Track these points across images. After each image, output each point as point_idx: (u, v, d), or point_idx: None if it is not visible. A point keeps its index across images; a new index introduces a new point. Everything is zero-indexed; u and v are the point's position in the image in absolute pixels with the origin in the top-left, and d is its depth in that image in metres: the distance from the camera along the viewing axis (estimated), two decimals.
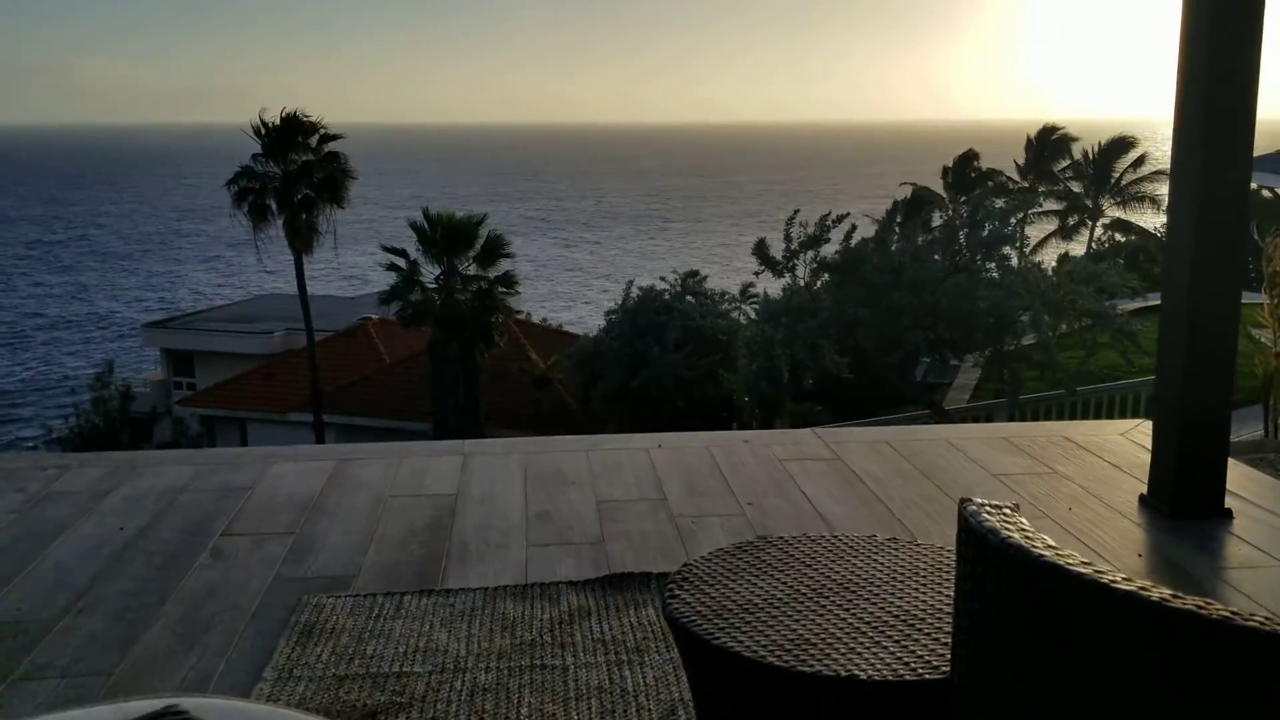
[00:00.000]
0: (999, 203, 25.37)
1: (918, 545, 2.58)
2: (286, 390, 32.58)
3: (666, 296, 25.35)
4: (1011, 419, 17.54)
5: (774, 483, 4.90)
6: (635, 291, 25.90)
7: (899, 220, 24.63)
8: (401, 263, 27.46)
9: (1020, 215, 29.51)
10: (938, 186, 43.88)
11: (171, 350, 37.97)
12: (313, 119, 28.82)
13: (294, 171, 28.63)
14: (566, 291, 78.58)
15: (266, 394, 32.82)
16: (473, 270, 27.56)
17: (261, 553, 4.10)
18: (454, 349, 26.74)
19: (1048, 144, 47.19)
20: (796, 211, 22.65)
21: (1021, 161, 47.77)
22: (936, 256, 21.43)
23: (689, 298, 25.34)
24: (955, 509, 1.87)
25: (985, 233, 21.47)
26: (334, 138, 29.44)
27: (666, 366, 23.99)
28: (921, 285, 19.93)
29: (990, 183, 41.21)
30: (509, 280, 27.71)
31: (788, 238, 22.19)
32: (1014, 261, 23.80)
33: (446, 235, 27.11)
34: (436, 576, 3.86)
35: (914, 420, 17.48)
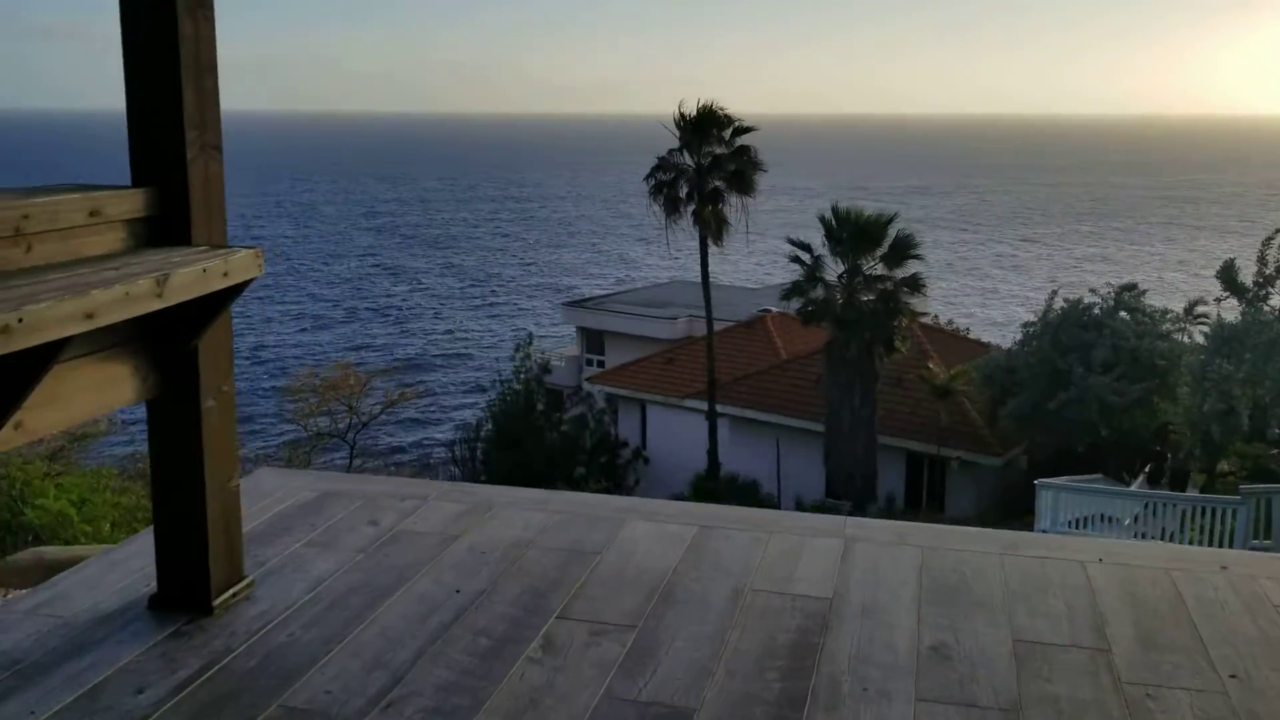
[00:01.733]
0: None
1: None
2: (684, 376, 33.26)
3: (1097, 311, 22.70)
4: None
5: (1270, 643, 3.55)
6: (1060, 303, 23.47)
7: None
8: (806, 258, 26.88)
9: None
10: None
11: (586, 329, 40.18)
12: (727, 112, 28.94)
13: (706, 164, 28.93)
14: (978, 292, 74.59)
15: (666, 378, 33.71)
16: (879, 270, 26.38)
17: (597, 651, 3.47)
18: (852, 350, 25.76)
19: None
20: (1278, 232, 19.27)
21: None
22: None
23: (1123, 314, 22.52)
24: None
25: None
26: (746, 130, 29.39)
27: (1091, 389, 21.46)
28: None
29: None
30: (915, 283, 26.24)
31: (1262, 260, 18.91)
32: None
33: (854, 232, 26.14)
34: None
35: None
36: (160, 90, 3.41)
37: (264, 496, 4.84)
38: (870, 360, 25.86)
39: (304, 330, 58.39)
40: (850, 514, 20.79)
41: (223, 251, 3.37)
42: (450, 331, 59.10)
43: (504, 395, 35.58)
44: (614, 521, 4.59)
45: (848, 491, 26.28)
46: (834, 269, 26.73)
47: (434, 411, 45.37)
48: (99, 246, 3.25)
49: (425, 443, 35.97)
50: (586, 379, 36.52)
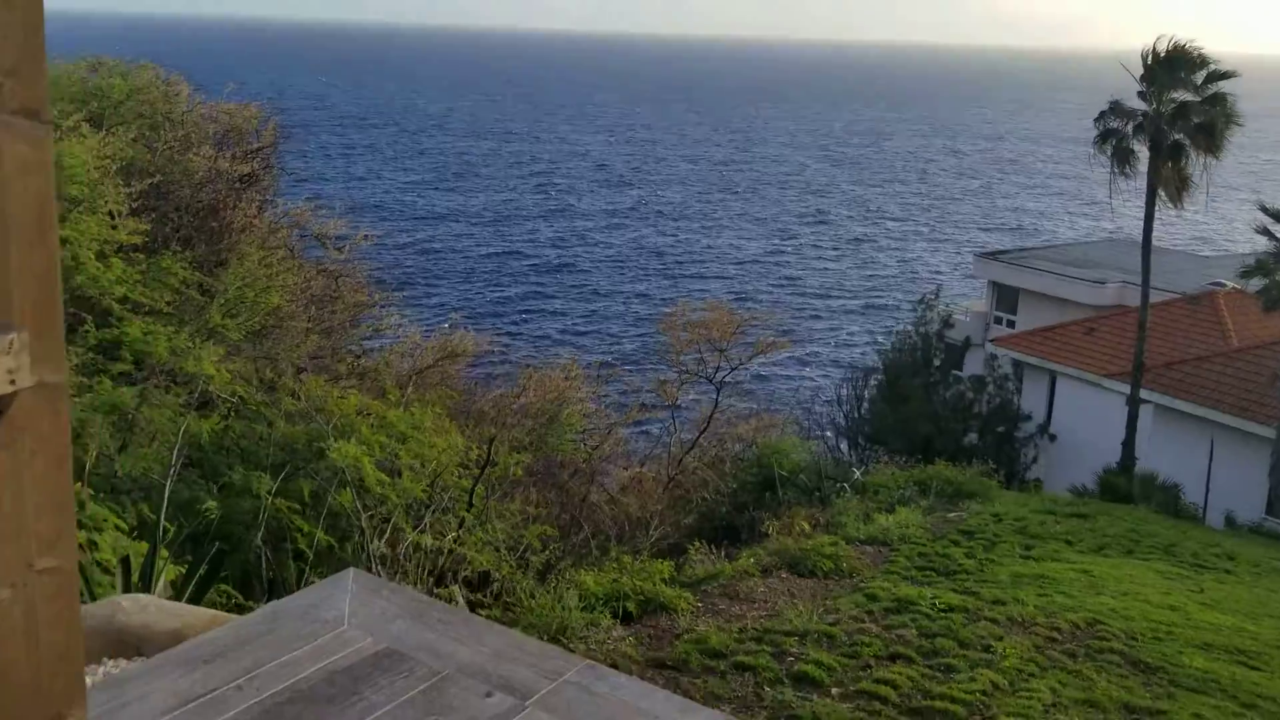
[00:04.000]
0: None
1: None
2: (1107, 351, 29.38)
3: None
4: None
5: None
6: None
7: None
8: (1279, 231, 22.25)
9: None
10: None
11: (999, 284, 36.82)
12: (1202, 51, 24.40)
13: (1169, 113, 24.68)
14: None
15: (1084, 351, 30.00)
16: None
17: None
18: None
19: None
20: None
21: None
22: None
23: None
24: None
25: None
26: (1225, 76, 24.67)
27: None
28: None
29: None
30: None
31: None
32: None
33: None
34: None
35: None
36: None
37: (316, 626, 3.19)
38: None
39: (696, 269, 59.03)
40: None
41: None
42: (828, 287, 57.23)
43: (898, 346, 33.56)
44: None
45: None
46: None
47: (819, 355, 44.25)
48: None
49: (802, 387, 34.98)
50: (991, 339, 33.48)
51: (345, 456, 7.06)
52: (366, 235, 14.34)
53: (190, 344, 8.87)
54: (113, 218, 10.85)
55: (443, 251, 58.11)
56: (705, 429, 18.65)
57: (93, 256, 9.69)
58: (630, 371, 24.37)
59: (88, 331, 8.88)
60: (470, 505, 9.18)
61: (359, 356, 12.73)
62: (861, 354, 42.04)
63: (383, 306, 14.80)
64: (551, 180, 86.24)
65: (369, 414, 8.26)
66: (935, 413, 29.91)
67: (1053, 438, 30.25)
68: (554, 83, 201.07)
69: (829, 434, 30.06)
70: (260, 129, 15.12)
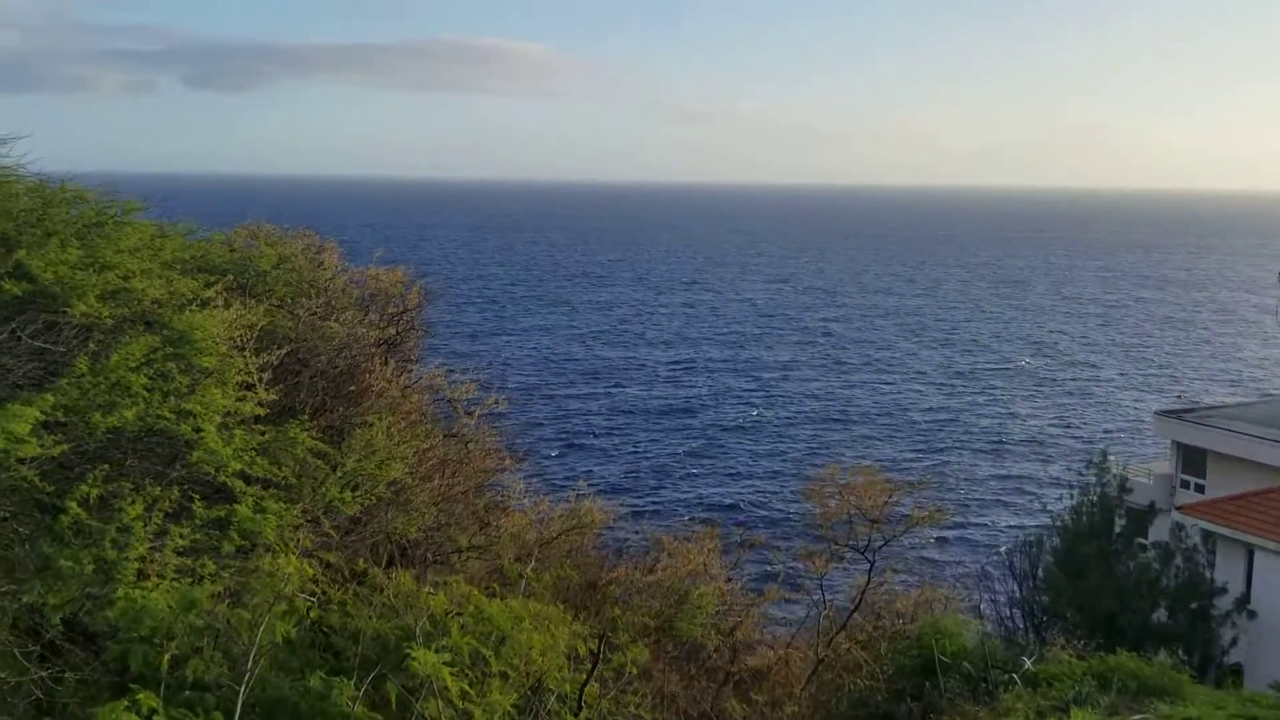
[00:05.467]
0: None
1: None
2: None
3: None
4: None
5: None
6: None
7: None
8: None
9: None
10: None
11: (1183, 445, 34.07)
12: None
13: None
14: None
15: None
16: None
17: None
18: None
19: None
20: None
21: None
22: None
23: None
24: None
25: None
26: None
27: None
28: None
29: None
30: None
31: None
32: None
33: None
34: None
35: None
36: None
37: None
38: None
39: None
40: None
41: None
42: (1001, 434, 54.23)
43: (1076, 509, 31.24)
44: None
45: None
46: None
47: (990, 518, 41.63)
48: None
49: (970, 556, 32.71)
50: (1178, 506, 30.76)
51: (425, 665, 6.46)
52: (498, 399, 14.10)
53: (293, 531, 8.53)
54: (251, 389, 10.85)
55: (585, 408, 58.33)
56: (858, 605, 17.33)
57: (213, 430, 9.59)
58: (773, 540, 23.24)
59: (195, 511, 8.67)
60: (580, 707, 8.36)
61: (482, 527, 12.29)
62: (1035, 519, 39.41)
63: (511, 472, 14.43)
64: (711, 330, 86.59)
65: (462, 611, 7.66)
66: (1118, 586, 27.41)
67: (1252, 615, 27.24)
68: (724, 234, 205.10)
69: (1000, 606, 27.92)
70: (405, 291, 15.27)
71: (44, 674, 8.69)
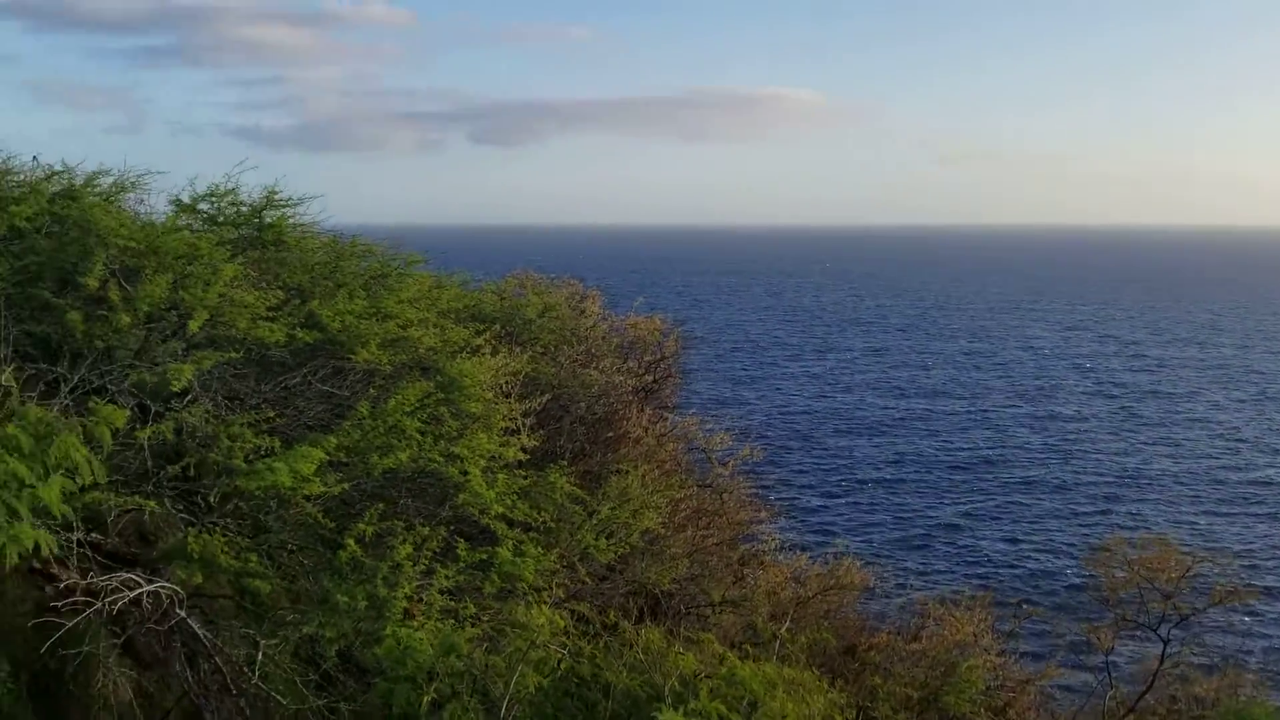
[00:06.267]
0: None
1: None
2: None
3: None
4: None
5: None
6: None
7: None
8: None
9: None
10: None
11: None
12: None
13: None
14: None
15: None
16: None
17: None
18: None
19: None
20: None
21: None
22: None
23: None
24: None
25: None
26: None
27: None
28: None
29: None
30: None
31: None
32: None
33: None
34: None
35: None
36: None
37: None
38: None
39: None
40: None
41: None
42: None
43: None
44: None
45: None
46: None
47: None
48: None
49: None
50: None
51: None
52: (753, 449, 13.84)
53: (549, 577, 8.58)
54: (515, 434, 11.15)
55: (849, 461, 56.52)
56: (1150, 686, 15.66)
57: (478, 473, 9.86)
58: (1053, 612, 21.47)
59: (459, 552, 8.90)
60: None
61: (735, 581, 12.02)
62: None
63: (767, 526, 14.08)
64: (992, 380, 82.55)
65: (713, 673, 7.38)
66: None
67: None
68: (1001, 277, 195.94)
69: None
70: (663, 339, 15.37)
71: (321, 703, 9.14)
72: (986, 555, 40.73)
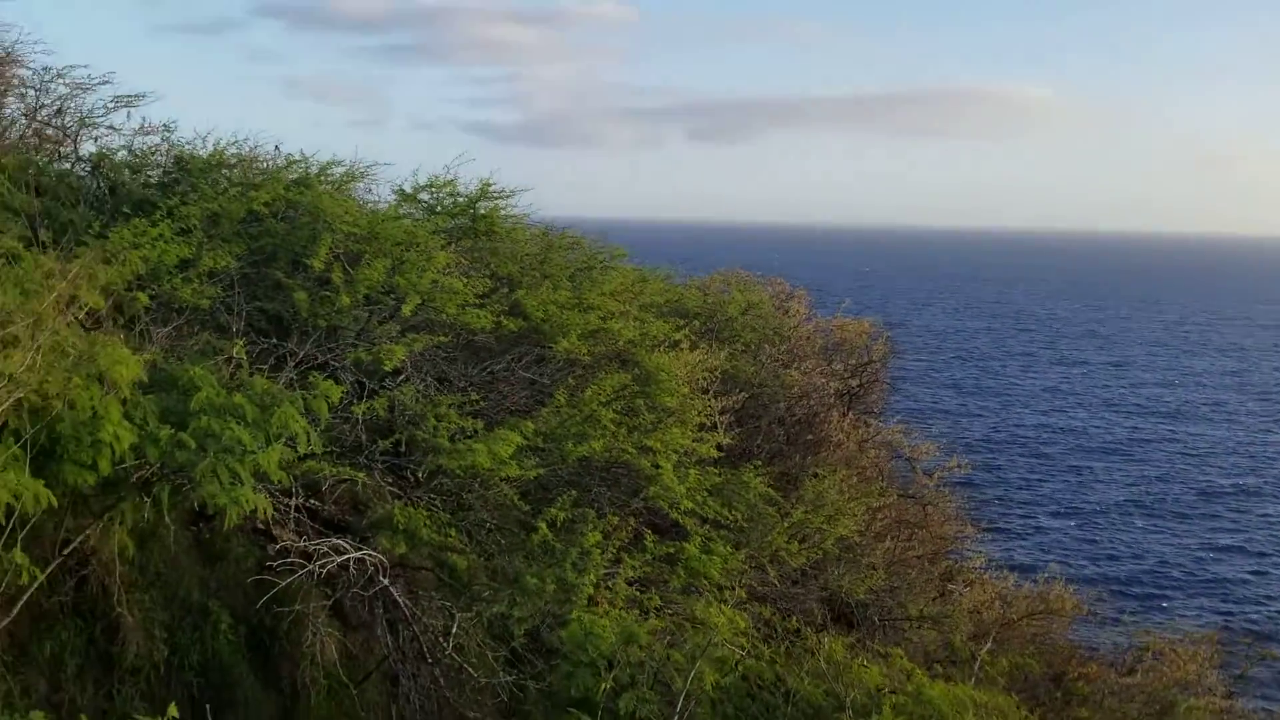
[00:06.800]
0: None
1: None
2: None
3: None
4: None
5: None
6: None
7: None
8: None
9: None
10: None
11: None
12: None
13: None
14: None
15: None
16: None
17: None
18: None
19: None
20: None
21: None
22: None
23: None
24: None
25: None
26: None
27: None
28: None
29: None
30: None
31: None
32: None
33: None
34: None
35: None
36: None
37: None
38: None
39: None
40: None
41: None
42: None
43: None
44: None
45: None
46: None
47: None
48: None
49: None
50: None
51: None
52: (961, 462, 13.21)
53: (736, 576, 8.48)
54: (710, 430, 11.11)
55: (1074, 481, 53.00)
56: None
57: (670, 467, 9.87)
58: None
59: (647, 544, 8.93)
60: None
61: (936, 596, 11.49)
62: None
63: (974, 542, 13.41)
64: (1246, 403, 75.99)
65: (898, 689, 7.04)
66: None
67: None
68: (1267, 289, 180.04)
69: None
70: (870, 343, 14.93)
71: (509, 679, 9.39)
72: (1220, 593, 37.38)
